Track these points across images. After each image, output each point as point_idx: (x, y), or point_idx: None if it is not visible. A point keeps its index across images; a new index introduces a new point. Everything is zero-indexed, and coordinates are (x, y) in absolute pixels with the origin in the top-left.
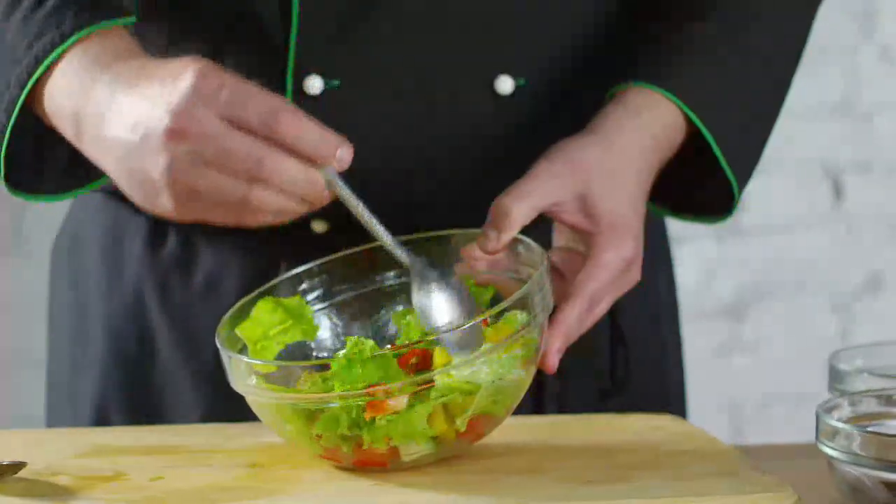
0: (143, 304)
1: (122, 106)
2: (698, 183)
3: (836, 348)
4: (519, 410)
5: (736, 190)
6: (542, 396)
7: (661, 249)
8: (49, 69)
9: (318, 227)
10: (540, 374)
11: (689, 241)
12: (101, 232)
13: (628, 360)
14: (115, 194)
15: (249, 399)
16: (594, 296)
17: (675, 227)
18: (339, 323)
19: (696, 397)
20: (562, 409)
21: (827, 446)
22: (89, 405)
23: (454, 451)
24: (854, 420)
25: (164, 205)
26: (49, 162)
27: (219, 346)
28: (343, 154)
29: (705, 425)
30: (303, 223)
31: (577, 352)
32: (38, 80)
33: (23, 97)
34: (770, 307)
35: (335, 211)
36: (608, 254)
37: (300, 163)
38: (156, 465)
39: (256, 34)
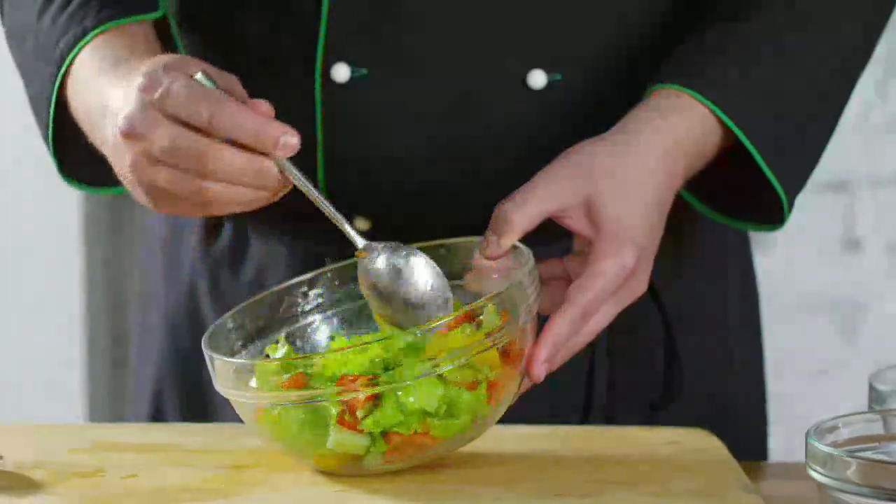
0: (197, 297)
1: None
2: (754, 191)
3: None
4: (565, 422)
5: (783, 194)
6: (589, 409)
7: (734, 258)
8: (73, 65)
9: (361, 224)
10: (589, 387)
11: None
12: (164, 225)
13: (682, 374)
14: None
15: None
16: (589, 305)
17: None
18: (339, 331)
19: None
20: (610, 421)
21: (816, 472)
22: (147, 399)
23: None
24: (850, 443)
25: (141, 199)
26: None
27: (203, 349)
28: (287, 140)
29: None
30: (346, 220)
31: (626, 364)
32: (65, 76)
33: (54, 93)
34: None
35: (377, 209)
36: (606, 262)
37: (244, 153)
38: (138, 464)
39: (288, 19)
